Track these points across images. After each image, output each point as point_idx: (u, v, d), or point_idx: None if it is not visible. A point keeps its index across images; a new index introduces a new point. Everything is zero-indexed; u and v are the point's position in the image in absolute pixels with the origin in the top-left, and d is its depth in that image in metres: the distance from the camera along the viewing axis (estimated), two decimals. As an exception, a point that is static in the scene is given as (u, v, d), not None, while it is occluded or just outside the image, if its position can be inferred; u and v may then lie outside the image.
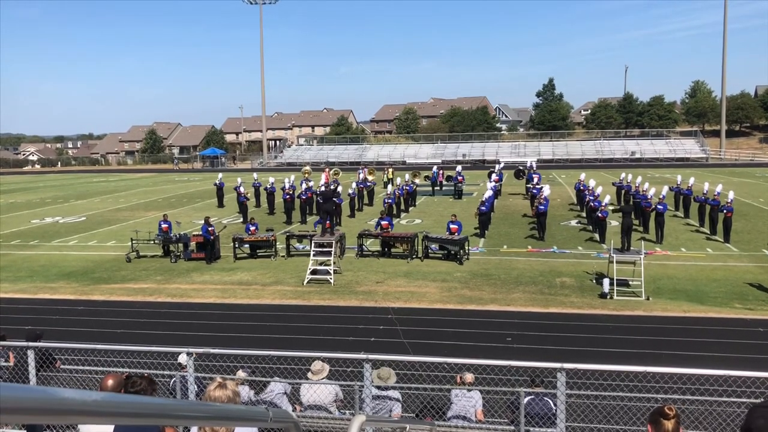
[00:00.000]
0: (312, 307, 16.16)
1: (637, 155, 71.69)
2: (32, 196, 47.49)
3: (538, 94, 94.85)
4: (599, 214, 22.97)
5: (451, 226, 21.56)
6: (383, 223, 22.18)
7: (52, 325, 14.26)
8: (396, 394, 7.85)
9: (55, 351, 8.90)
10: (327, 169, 41.04)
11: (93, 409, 1.34)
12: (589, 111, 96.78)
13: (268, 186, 32.77)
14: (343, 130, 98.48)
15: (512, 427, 7.33)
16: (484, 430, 7.35)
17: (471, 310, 15.53)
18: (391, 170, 42.60)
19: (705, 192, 25.63)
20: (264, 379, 8.21)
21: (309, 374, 8.06)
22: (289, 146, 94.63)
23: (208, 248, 21.47)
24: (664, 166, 62.52)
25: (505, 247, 23.00)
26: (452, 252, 20.95)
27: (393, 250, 21.89)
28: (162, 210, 31.69)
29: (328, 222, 19.90)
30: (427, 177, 41.31)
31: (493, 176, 35.46)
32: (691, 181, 28.85)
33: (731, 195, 23.43)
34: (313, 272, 18.52)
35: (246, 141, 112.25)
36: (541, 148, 77.78)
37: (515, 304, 15.78)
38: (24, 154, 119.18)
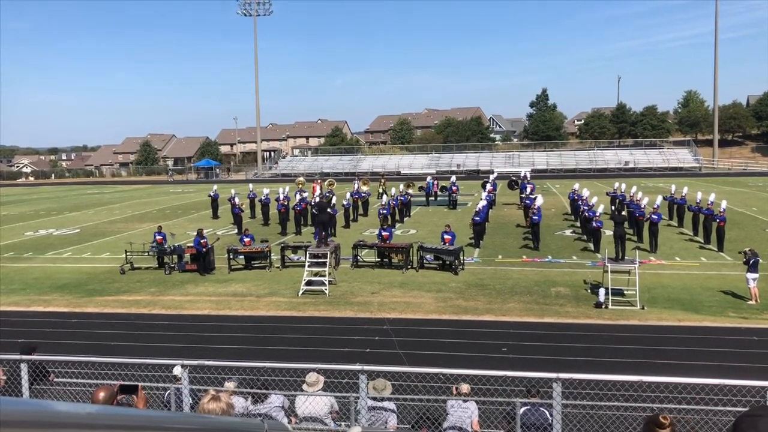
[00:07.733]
0: (307, 319, 16.11)
1: (631, 165, 72.04)
2: (26, 209, 47.30)
3: (532, 105, 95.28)
4: (593, 224, 23.04)
5: (445, 236, 21.59)
6: (384, 233, 22.18)
7: (46, 338, 14.17)
8: (391, 405, 7.82)
9: (48, 364, 8.84)
10: (318, 181, 40.94)
11: (86, 422, 1.34)
12: (583, 121, 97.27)
13: (263, 197, 32.75)
14: (337, 141, 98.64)
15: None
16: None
17: (466, 320, 15.52)
18: (383, 181, 42.61)
19: (698, 201, 25.76)
20: (257, 391, 8.16)
21: (304, 386, 8.01)
22: (284, 157, 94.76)
23: (200, 260, 21.43)
24: (658, 176, 62.83)
25: (499, 257, 23.02)
26: (447, 262, 20.94)
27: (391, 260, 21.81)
28: (157, 221, 31.63)
29: (323, 233, 19.94)
30: (421, 187, 41.36)
31: (488, 186, 35.54)
32: (685, 190, 29.00)
33: (724, 204, 23.55)
34: (308, 283, 18.48)
35: (240, 152, 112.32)
36: (535, 158, 78.09)
37: (510, 314, 15.77)
38: (18, 166, 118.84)
